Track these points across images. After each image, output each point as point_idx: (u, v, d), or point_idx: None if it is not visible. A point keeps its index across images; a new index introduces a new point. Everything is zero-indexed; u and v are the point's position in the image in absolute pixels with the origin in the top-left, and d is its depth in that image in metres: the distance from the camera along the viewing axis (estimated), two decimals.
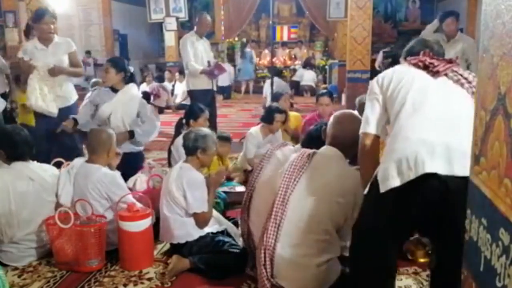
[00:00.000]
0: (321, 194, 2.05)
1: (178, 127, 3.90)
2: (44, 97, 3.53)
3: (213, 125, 4.55)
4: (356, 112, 2.83)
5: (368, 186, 1.75)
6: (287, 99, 5.50)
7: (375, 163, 1.77)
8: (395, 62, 2.05)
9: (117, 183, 2.70)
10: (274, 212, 2.07)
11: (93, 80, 6.28)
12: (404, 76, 1.81)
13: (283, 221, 2.05)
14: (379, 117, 1.83)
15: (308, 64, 12.16)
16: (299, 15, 13.57)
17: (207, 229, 2.60)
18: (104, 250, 2.60)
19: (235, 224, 2.85)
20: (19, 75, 5.52)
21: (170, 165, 3.61)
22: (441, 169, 1.55)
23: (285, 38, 13.73)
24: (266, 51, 12.74)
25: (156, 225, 2.66)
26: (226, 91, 11.32)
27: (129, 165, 3.03)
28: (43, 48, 3.64)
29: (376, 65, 6.26)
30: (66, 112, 3.63)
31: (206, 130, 2.80)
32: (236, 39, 13.28)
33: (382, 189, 1.63)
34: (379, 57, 6.56)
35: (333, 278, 2.10)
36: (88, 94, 3.69)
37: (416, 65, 1.84)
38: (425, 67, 1.82)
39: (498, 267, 0.91)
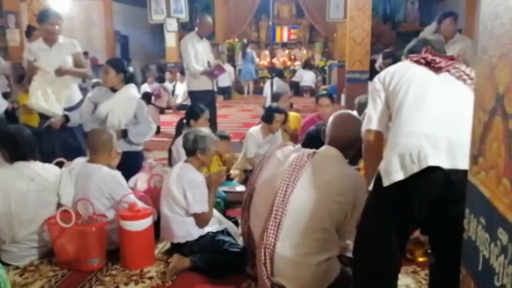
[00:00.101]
0: (321, 193, 2.06)
1: (179, 127, 3.91)
2: (47, 97, 3.54)
3: (213, 125, 4.56)
4: (355, 113, 2.84)
5: (372, 182, 1.77)
6: (287, 99, 5.52)
7: (379, 159, 1.78)
8: (395, 62, 2.06)
9: (119, 183, 2.71)
10: (274, 211, 2.08)
11: (94, 80, 6.28)
12: (406, 72, 1.83)
13: (283, 220, 2.06)
14: (381, 114, 1.85)
15: (307, 65, 12.16)
16: (299, 16, 13.57)
17: (208, 229, 2.61)
18: (105, 250, 2.61)
19: (236, 223, 2.86)
20: (22, 76, 5.55)
21: (170, 165, 3.62)
22: (445, 163, 1.57)
23: (285, 39, 13.72)
24: (266, 52, 12.75)
25: (157, 225, 2.67)
26: (226, 92, 11.33)
27: (128, 165, 3.02)
28: (47, 49, 3.66)
29: (377, 66, 6.27)
30: (70, 111, 3.65)
31: (204, 130, 2.81)
32: (236, 40, 13.28)
33: (385, 183, 1.64)
34: (380, 58, 6.56)
35: (333, 276, 2.11)
36: (89, 94, 3.70)
37: (418, 62, 1.86)
38: (427, 64, 1.83)
39: (497, 266, 0.92)
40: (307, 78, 11.88)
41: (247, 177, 3.65)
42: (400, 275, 2.35)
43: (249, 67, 11.76)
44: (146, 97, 7.52)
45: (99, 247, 2.55)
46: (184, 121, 3.83)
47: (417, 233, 2.34)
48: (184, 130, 3.51)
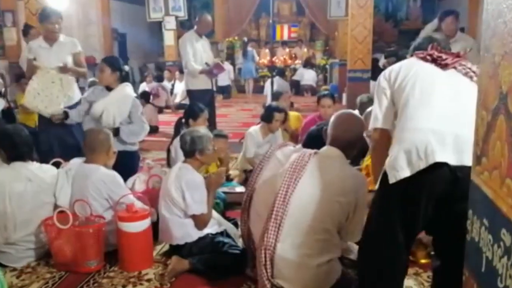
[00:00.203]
0: (322, 194, 2.05)
1: (178, 127, 3.89)
2: (43, 98, 3.52)
3: (212, 125, 4.55)
4: (356, 112, 2.82)
5: (378, 181, 1.75)
6: (287, 98, 5.50)
7: (386, 157, 1.77)
8: (399, 61, 2.06)
9: (118, 183, 2.69)
10: (275, 212, 2.06)
11: (91, 79, 6.26)
12: (411, 68, 1.82)
13: (284, 221, 2.04)
14: (387, 111, 1.84)
15: (308, 64, 12.15)
16: (300, 14, 13.57)
17: (207, 230, 2.59)
18: (103, 251, 2.59)
19: (235, 224, 2.84)
20: (19, 75, 5.54)
21: (169, 165, 3.60)
22: (451, 159, 1.56)
23: (285, 37, 13.71)
24: (266, 50, 12.74)
25: (155, 226, 2.65)
26: (225, 91, 11.32)
27: (123, 165, 3.00)
28: (47, 47, 3.65)
29: (380, 64, 6.26)
30: (69, 110, 3.63)
31: (201, 130, 2.77)
32: (236, 38, 13.28)
33: (392, 180, 1.64)
34: (382, 58, 6.56)
35: (334, 278, 2.09)
36: (85, 94, 3.68)
37: (424, 59, 1.85)
38: (434, 60, 1.83)
39: (500, 268, 0.91)
40: (308, 77, 11.87)
41: (247, 177, 3.64)
42: None
43: (250, 65, 11.74)
44: (145, 96, 7.52)
45: (97, 248, 2.53)
46: (183, 120, 3.82)
47: (419, 234, 2.32)
48: (182, 129, 3.49)
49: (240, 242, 2.60)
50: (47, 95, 3.54)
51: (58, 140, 3.63)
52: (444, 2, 11.89)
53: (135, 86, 9.89)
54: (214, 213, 2.72)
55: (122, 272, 2.52)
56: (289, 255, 2.03)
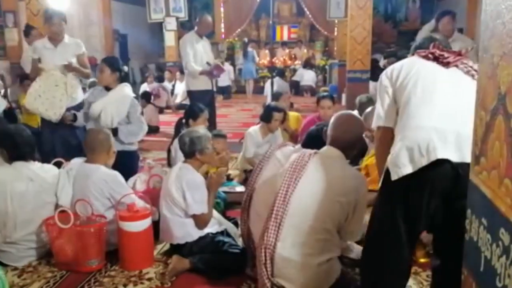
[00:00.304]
0: (322, 193, 2.05)
1: (178, 127, 3.89)
2: (44, 100, 3.52)
3: (212, 125, 4.55)
4: (356, 112, 2.83)
5: (381, 179, 1.76)
6: (287, 99, 5.50)
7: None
8: (398, 61, 2.07)
9: (119, 182, 2.70)
10: (275, 211, 2.06)
11: (91, 79, 6.26)
12: (413, 66, 1.82)
13: (284, 221, 2.05)
14: (390, 110, 1.84)
15: (308, 64, 12.15)
16: (299, 15, 13.55)
17: (207, 230, 2.60)
18: (104, 250, 2.60)
19: (235, 224, 2.84)
20: (21, 75, 5.54)
21: (169, 165, 3.60)
22: (453, 156, 1.57)
23: (285, 38, 13.70)
24: (266, 51, 12.73)
25: (156, 225, 2.66)
26: (225, 91, 11.31)
27: (122, 165, 3.00)
28: (52, 48, 3.66)
29: (381, 64, 6.27)
30: (73, 110, 3.65)
31: (199, 130, 2.77)
32: (236, 38, 13.28)
33: (394, 177, 1.64)
34: (382, 58, 6.56)
35: (334, 277, 2.10)
36: (85, 95, 3.69)
37: (426, 57, 1.86)
38: (435, 59, 1.83)
39: (498, 267, 0.92)
40: (307, 77, 11.87)
41: (246, 177, 3.64)
42: None
43: (250, 66, 11.73)
44: (146, 96, 7.52)
45: (98, 248, 2.54)
46: (183, 121, 3.82)
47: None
48: (183, 129, 3.49)
49: (240, 242, 2.61)
50: (48, 97, 3.54)
51: (61, 140, 3.64)
52: (443, 3, 11.89)
53: (136, 86, 9.92)
54: (215, 213, 2.73)
55: (123, 271, 2.53)
56: (289, 254, 2.04)
